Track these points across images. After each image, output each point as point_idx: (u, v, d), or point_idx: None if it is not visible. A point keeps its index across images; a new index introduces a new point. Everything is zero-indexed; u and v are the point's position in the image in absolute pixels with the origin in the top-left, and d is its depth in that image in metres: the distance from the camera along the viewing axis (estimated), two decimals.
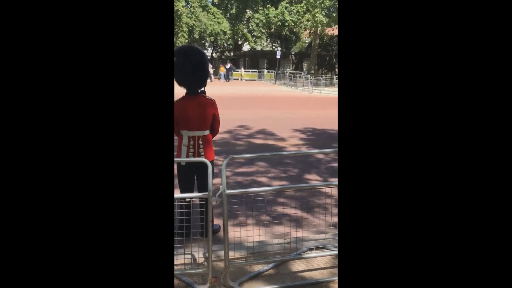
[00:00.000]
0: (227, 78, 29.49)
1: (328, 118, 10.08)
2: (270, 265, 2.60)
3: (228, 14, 36.98)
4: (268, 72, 32.44)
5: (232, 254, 2.54)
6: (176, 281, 2.41)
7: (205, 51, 3.76)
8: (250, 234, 2.65)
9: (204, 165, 2.53)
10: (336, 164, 4.99)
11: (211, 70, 29.54)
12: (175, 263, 2.55)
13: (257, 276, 2.49)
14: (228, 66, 30.95)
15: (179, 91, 3.12)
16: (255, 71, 33.34)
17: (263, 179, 4.80)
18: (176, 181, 3.13)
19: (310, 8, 27.87)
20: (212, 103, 3.07)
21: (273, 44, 38.33)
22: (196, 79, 3.03)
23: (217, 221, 3.21)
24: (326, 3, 26.76)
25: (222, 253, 2.55)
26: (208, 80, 3.73)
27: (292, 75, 28.08)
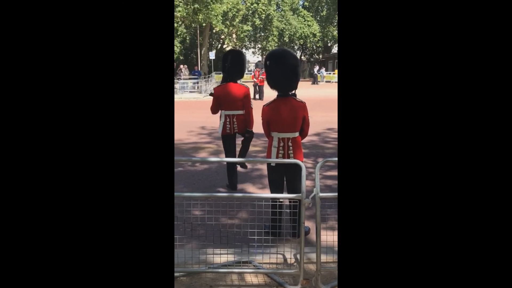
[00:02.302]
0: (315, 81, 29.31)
1: None
2: None
3: (319, 16, 36.74)
4: None
5: (323, 258, 2.52)
6: (267, 280, 2.46)
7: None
8: None
9: (295, 167, 2.54)
10: None
11: (318, 73, 29.57)
12: (267, 261, 2.61)
13: None
14: (317, 68, 30.77)
15: (271, 94, 3.19)
16: None
17: None
18: (266, 181, 3.21)
19: None
20: (302, 105, 3.09)
21: None
22: (288, 82, 3.07)
23: (307, 223, 3.21)
24: None
25: (312, 255, 2.54)
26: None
27: None
